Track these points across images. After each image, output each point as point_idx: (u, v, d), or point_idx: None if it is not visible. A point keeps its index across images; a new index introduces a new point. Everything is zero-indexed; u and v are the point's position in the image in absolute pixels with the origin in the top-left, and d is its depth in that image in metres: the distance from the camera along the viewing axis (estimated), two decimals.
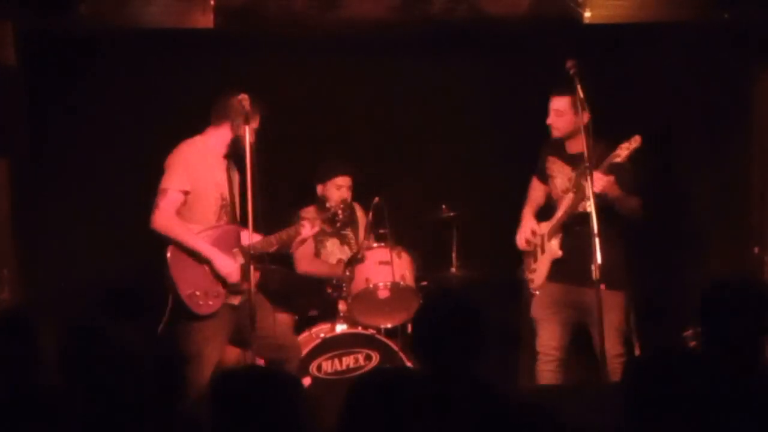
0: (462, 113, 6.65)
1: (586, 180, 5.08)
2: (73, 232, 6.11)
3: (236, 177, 5.36)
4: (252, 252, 5.08)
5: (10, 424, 3.14)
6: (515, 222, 5.89)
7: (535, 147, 5.92)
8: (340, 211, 5.64)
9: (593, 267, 4.90)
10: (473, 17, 5.91)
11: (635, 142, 5.19)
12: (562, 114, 5.44)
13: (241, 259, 5.17)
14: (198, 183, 5.15)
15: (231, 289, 5.16)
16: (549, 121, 5.48)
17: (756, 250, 5.88)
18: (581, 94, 5.09)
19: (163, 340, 5.04)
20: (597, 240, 4.88)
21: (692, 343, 6.04)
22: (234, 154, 5.29)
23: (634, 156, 5.20)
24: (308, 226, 5.48)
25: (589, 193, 5.03)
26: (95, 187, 6.23)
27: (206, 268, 5.14)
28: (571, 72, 5.08)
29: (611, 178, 5.21)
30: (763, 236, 5.87)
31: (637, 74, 6.26)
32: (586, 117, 5.34)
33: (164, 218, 5.07)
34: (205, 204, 5.18)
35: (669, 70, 6.22)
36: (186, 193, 5.12)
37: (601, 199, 5.14)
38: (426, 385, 2.67)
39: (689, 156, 6.31)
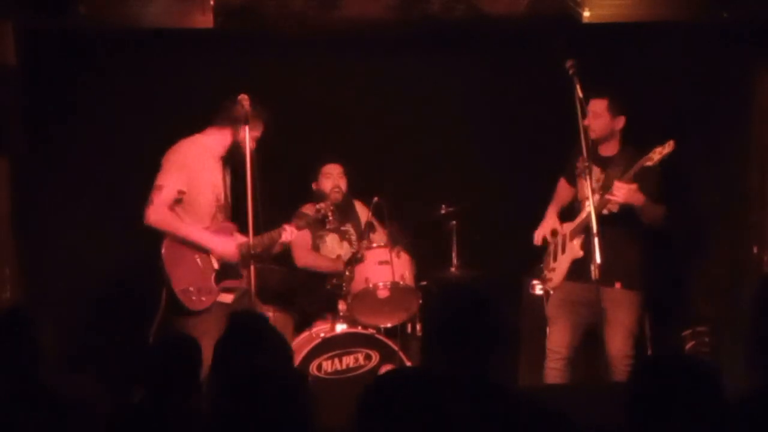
0: (461, 112, 6.65)
1: (585, 179, 5.11)
2: (74, 230, 6.11)
3: (229, 177, 5.41)
4: (245, 251, 5.13)
5: (11, 422, 3.15)
6: (515, 221, 5.91)
7: (535, 146, 5.93)
8: (330, 213, 5.67)
9: (593, 267, 4.92)
10: (472, 16, 5.91)
11: (669, 147, 5.21)
12: (599, 116, 5.45)
13: (240, 238, 5.21)
14: (194, 183, 5.20)
15: (222, 286, 5.22)
16: (586, 122, 5.50)
17: (755, 249, 5.88)
18: (580, 94, 5.10)
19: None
20: (596, 240, 4.90)
21: (691, 343, 6.06)
22: (231, 158, 5.33)
23: (664, 160, 5.23)
24: (289, 230, 5.50)
25: (589, 192, 5.06)
26: (95, 186, 6.23)
27: (200, 264, 5.20)
28: (570, 72, 5.09)
29: (634, 186, 5.24)
30: (763, 235, 5.87)
31: (635, 74, 6.26)
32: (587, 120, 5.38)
33: (157, 213, 5.14)
34: (202, 205, 5.23)
35: (668, 70, 6.22)
36: (181, 192, 5.16)
37: (625, 207, 5.22)
38: (440, 385, 2.66)
39: (688, 155, 6.31)
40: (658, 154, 5.22)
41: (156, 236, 5.21)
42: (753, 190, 5.97)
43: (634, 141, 5.50)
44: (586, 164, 5.12)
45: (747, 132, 6.00)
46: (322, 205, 5.74)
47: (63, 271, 6.05)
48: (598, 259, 4.89)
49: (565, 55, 5.14)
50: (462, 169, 6.66)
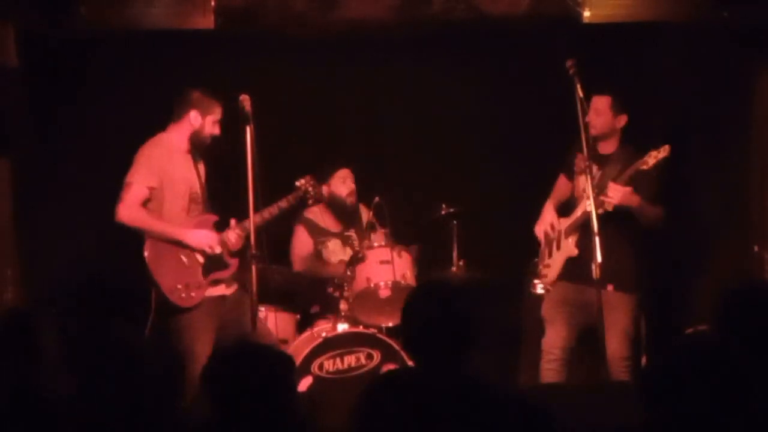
0: (461, 112, 6.67)
1: (587, 179, 5.12)
2: (76, 231, 6.12)
3: (203, 169, 5.44)
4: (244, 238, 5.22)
5: (12, 424, 3.15)
6: (516, 220, 5.91)
7: (535, 146, 5.94)
8: (310, 188, 5.67)
9: (594, 266, 4.92)
10: (473, 17, 5.92)
11: (664, 151, 5.20)
12: (601, 113, 5.43)
13: (237, 231, 5.28)
14: (164, 178, 5.24)
15: (211, 279, 5.23)
16: (588, 118, 5.48)
17: (756, 248, 5.89)
18: (581, 93, 5.11)
19: (158, 338, 5.08)
20: (597, 239, 4.90)
21: None
22: (196, 148, 5.37)
23: (660, 164, 5.23)
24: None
25: (589, 191, 5.06)
26: (97, 187, 6.22)
27: (184, 260, 5.22)
28: (571, 71, 5.09)
29: (628, 189, 5.24)
30: (764, 234, 5.88)
31: (636, 73, 6.27)
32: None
33: (128, 210, 5.16)
34: (174, 199, 5.26)
35: (668, 69, 6.23)
36: (151, 188, 5.19)
37: (621, 209, 5.20)
38: (431, 385, 2.66)
39: (689, 155, 6.32)
40: (653, 158, 5.21)
41: (126, 231, 5.22)
42: (754, 188, 5.98)
43: (634, 141, 5.50)
44: (587, 163, 5.13)
45: (747, 131, 6.01)
46: (302, 180, 5.72)
47: (64, 271, 6.05)
48: (599, 258, 4.90)
49: (565, 55, 5.15)
50: (462, 169, 6.67)
